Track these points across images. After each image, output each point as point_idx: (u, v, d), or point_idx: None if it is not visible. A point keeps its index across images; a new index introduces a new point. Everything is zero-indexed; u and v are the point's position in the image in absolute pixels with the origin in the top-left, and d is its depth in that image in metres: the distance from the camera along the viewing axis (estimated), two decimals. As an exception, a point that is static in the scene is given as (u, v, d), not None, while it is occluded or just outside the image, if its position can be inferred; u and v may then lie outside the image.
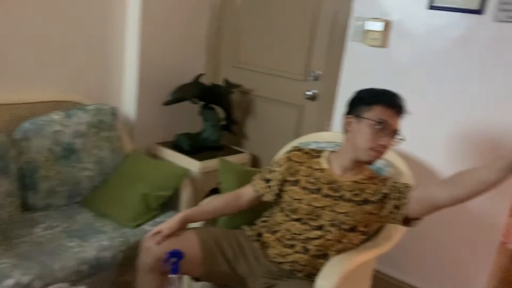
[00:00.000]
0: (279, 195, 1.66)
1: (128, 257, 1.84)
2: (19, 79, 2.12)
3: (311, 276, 1.54)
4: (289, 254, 1.56)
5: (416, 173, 1.83)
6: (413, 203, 1.46)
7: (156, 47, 2.54)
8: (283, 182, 1.64)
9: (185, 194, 2.16)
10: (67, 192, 2.06)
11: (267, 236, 1.63)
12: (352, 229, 1.53)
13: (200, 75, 2.58)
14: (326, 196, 1.54)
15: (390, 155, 1.77)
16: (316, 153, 1.66)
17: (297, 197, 1.58)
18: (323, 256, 1.54)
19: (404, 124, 1.54)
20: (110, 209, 2.01)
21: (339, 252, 1.54)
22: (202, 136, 2.60)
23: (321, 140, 2.00)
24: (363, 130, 1.49)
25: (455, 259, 2.07)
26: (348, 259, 1.51)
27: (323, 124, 2.38)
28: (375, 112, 1.48)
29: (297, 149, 1.71)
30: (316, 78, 2.43)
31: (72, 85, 2.32)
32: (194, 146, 2.53)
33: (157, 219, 2.04)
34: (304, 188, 1.58)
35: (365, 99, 1.53)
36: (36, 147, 1.96)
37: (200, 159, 2.41)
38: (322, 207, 1.53)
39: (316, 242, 1.53)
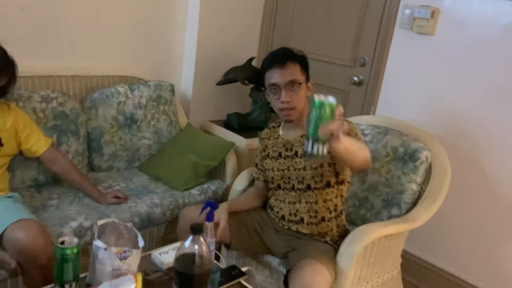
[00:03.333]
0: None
1: (176, 216, 2.05)
2: (91, 55, 2.40)
3: (329, 239, 1.65)
4: (292, 226, 1.69)
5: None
6: None
7: (213, 32, 2.73)
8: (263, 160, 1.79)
9: (230, 166, 2.33)
10: (127, 156, 2.31)
11: (276, 211, 1.74)
12: (327, 185, 1.61)
13: (251, 59, 2.73)
14: (285, 158, 1.66)
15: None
16: (276, 125, 1.78)
17: (269, 167, 1.72)
18: (322, 220, 1.64)
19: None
20: (164, 174, 2.23)
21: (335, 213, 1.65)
22: (251, 117, 2.76)
23: (363, 123, 2.07)
24: (270, 97, 1.62)
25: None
26: (373, 229, 1.59)
27: (368, 109, 2.45)
28: (267, 79, 1.60)
29: (266, 127, 1.84)
30: (363, 64, 2.49)
31: (136, 62, 2.57)
32: (242, 125, 2.70)
33: (204, 186, 2.25)
34: (272, 157, 1.71)
35: (262, 70, 1.64)
36: (103, 115, 2.21)
37: (246, 136, 2.58)
38: (287, 168, 1.65)
39: (303, 209, 1.64)
